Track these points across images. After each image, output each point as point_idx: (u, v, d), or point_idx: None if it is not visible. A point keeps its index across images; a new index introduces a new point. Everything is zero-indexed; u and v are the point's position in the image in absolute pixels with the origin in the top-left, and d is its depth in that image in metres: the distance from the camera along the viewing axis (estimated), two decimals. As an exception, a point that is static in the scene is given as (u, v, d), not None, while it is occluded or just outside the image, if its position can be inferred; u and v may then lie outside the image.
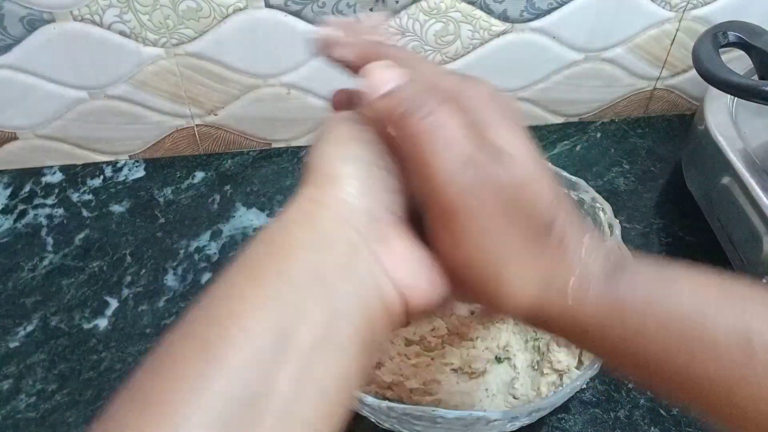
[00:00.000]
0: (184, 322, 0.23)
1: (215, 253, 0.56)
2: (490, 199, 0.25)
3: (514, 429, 0.40)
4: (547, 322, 0.27)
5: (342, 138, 0.27)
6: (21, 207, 0.60)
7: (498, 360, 0.46)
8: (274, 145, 0.65)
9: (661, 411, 0.45)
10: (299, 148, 0.65)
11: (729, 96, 0.52)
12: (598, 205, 0.46)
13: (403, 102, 0.25)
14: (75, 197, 0.61)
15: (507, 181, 0.25)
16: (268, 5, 0.54)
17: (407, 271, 0.26)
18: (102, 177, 0.62)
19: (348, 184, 0.26)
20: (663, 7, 0.58)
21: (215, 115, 0.61)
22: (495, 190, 0.25)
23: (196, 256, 0.56)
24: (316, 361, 0.22)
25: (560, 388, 0.43)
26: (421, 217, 0.27)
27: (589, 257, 0.26)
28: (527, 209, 0.25)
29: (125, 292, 0.53)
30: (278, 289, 0.23)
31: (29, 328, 0.51)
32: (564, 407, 0.45)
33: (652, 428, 0.45)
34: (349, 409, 0.24)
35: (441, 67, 0.28)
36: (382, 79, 0.26)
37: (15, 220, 0.59)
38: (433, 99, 0.25)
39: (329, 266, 0.24)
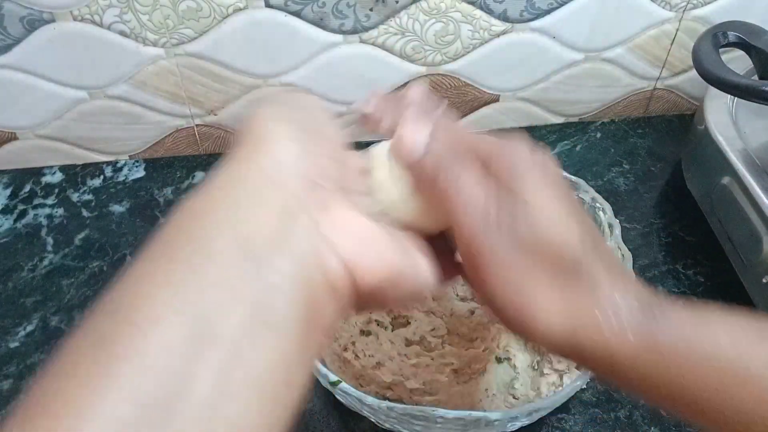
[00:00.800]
0: (87, 317, 0.19)
1: (215, 253, 0.56)
2: (508, 242, 0.26)
3: (514, 429, 0.40)
4: (581, 353, 0.26)
5: (280, 102, 0.26)
6: (21, 207, 0.60)
7: (498, 360, 0.46)
8: (274, 145, 0.65)
9: (661, 411, 0.45)
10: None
11: (729, 96, 0.52)
12: (598, 205, 0.46)
13: (429, 167, 0.27)
14: (75, 197, 0.61)
15: (526, 233, 0.26)
16: (268, 5, 0.54)
17: (352, 242, 0.24)
18: (102, 177, 0.62)
19: (284, 146, 0.24)
20: (663, 7, 0.58)
21: (215, 115, 0.61)
22: (514, 234, 0.26)
23: (196, 256, 0.55)
24: (246, 349, 0.19)
25: (560, 388, 0.43)
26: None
27: (623, 293, 0.26)
28: (551, 250, 0.26)
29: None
30: (196, 265, 0.20)
31: (29, 328, 0.51)
32: (564, 407, 0.45)
33: (652, 428, 0.44)
34: (295, 400, 0.21)
35: (477, 134, 0.29)
36: (410, 141, 0.28)
37: (15, 220, 0.59)
38: (456, 163, 0.27)
39: (259, 234, 0.21)
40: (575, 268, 0.26)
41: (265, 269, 0.21)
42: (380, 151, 0.30)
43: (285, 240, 0.22)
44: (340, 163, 0.26)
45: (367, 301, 0.25)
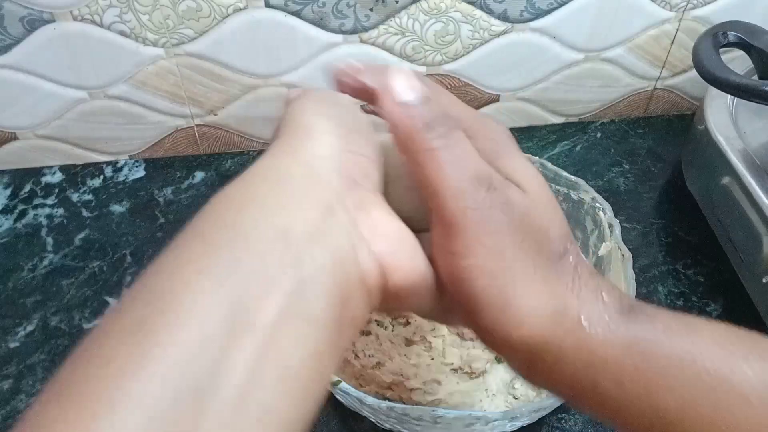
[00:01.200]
0: (121, 301, 0.19)
1: (215, 253, 0.56)
2: (499, 219, 0.24)
3: (514, 429, 0.40)
4: (557, 357, 0.24)
5: (322, 98, 0.26)
6: (21, 207, 0.60)
7: (498, 360, 0.46)
8: (274, 145, 0.65)
9: None
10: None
11: (729, 96, 0.52)
12: (598, 205, 0.46)
13: (420, 118, 0.24)
14: (75, 197, 0.61)
15: (519, 205, 0.24)
16: (268, 5, 0.54)
17: (387, 242, 0.23)
18: (102, 177, 0.62)
19: (325, 140, 0.24)
20: (663, 7, 0.58)
21: (215, 115, 0.61)
22: (505, 211, 0.24)
23: (196, 256, 0.55)
24: (281, 338, 0.19)
25: (560, 388, 0.43)
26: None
27: (605, 292, 0.25)
28: (539, 235, 0.24)
29: (125, 292, 0.53)
30: (234, 253, 0.20)
31: (29, 328, 0.51)
32: (564, 407, 0.45)
33: (652, 428, 0.44)
34: (322, 394, 0.21)
35: (461, 102, 0.28)
36: (404, 85, 0.25)
37: (15, 220, 0.59)
38: (449, 122, 0.25)
39: (298, 226, 0.21)
40: (560, 257, 0.25)
41: (302, 261, 0.20)
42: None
43: (323, 234, 0.22)
44: (378, 163, 0.25)
45: (391, 301, 0.25)
